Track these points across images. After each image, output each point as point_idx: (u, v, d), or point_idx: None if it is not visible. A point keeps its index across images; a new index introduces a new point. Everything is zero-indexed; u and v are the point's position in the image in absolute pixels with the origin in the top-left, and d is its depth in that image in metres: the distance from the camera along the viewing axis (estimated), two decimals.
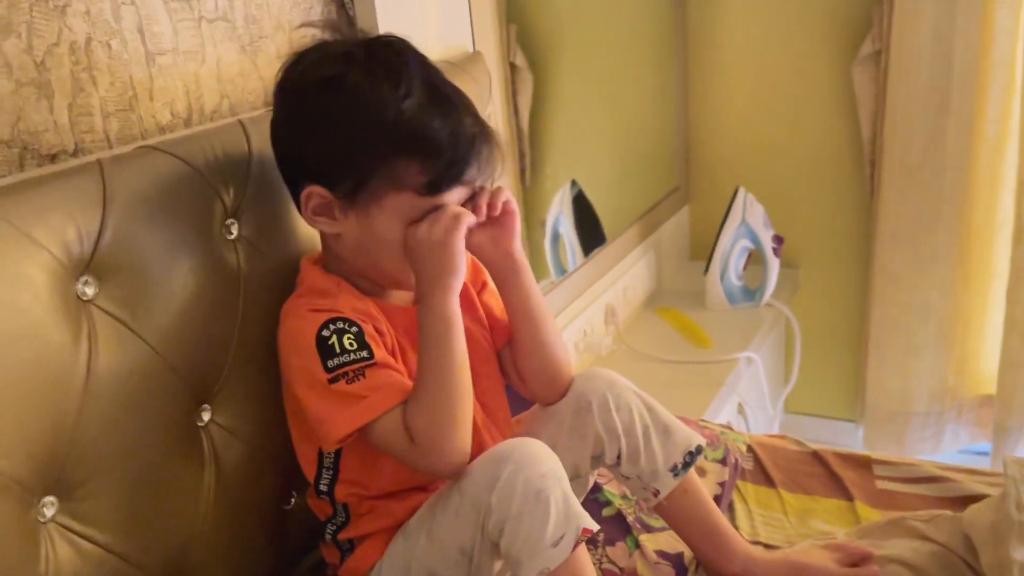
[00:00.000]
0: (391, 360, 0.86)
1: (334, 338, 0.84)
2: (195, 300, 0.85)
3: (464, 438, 0.84)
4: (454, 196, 0.87)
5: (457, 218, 0.85)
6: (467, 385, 0.85)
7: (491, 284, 1.02)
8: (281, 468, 0.95)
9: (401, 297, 0.94)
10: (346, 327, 0.85)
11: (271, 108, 0.90)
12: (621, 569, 0.99)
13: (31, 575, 0.71)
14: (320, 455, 0.91)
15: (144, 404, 0.81)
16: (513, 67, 1.56)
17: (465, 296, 1.00)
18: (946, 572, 0.93)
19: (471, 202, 0.89)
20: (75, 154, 0.86)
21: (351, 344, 0.84)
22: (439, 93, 0.86)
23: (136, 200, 0.79)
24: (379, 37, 0.89)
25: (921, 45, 1.90)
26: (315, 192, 0.86)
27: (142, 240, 0.80)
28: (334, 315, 0.85)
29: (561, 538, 0.78)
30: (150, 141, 0.86)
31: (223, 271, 0.88)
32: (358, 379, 0.82)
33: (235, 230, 0.89)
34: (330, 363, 0.83)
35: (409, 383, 0.85)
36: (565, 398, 0.99)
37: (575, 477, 0.98)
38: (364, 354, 0.83)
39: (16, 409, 0.69)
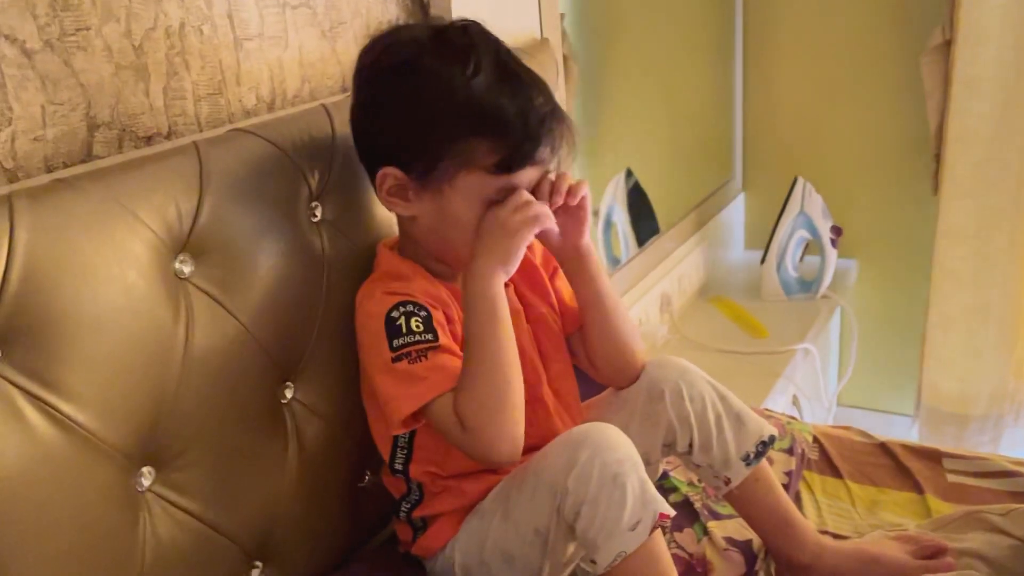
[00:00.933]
0: (455, 347, 0.87)
1: (402, 319, 0.85)
2: (282, 280, 0.87)
3: (515, 426, 0.83)
4: (526, 177, 0.86)
5: (537, 218, 0.85)
6: (515, 371, 0.84)
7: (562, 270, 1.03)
8: (357, 446, 0.97)
9: None
10: (415, 310, 0.86)
11: (349, 93, 0.91)
12: (690, 555, 1.00)
13: (131, 541, 0.74)
14: (395, 435, 0.92)
15: (233, 380, 0.83)
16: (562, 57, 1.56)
17: (538, 280, 1.01)
18: None
19: (550, 186, 0.88)
20: (168, 136, 0.89)
21: (418, 326, 0.85)
22: (510, 72, 0.86)
23: (230, 181, 0.81)
24: (454, 22, 0.89)
25: (988, 36, 1.86)
26: (390, 174, 0.87)
27: (234, 221, 0.82)
28: (406, 298, 0.87)
29: (638, 522, 0.79)
30: (240, 124, 0.89)
31: (308, 253, 0.90)
32: (420, 360, 0.83)
33: (319, 213, 0.91)
34: (395, 342, 0.84)
35: None
36: (637, 385, 0.99)
37: (645, 464, 0.97)
38: (429, 337, 0.84)
39: (122, 382, 0.72)
